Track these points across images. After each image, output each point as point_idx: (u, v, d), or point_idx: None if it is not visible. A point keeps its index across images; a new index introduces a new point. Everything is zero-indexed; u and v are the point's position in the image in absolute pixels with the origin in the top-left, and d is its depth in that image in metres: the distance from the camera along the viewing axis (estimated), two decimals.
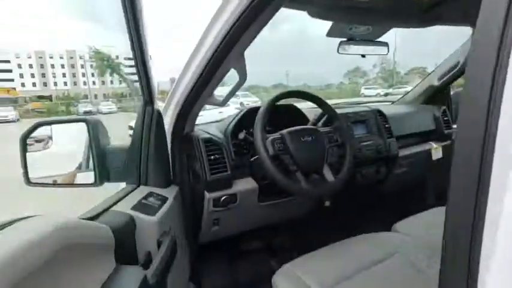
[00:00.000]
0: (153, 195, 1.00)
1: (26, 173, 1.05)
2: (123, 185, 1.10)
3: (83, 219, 0.71)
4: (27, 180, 1.05)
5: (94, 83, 62.40)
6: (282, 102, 1.33)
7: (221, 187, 1.24)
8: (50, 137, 1.16)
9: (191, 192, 1.31)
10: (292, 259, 1.85)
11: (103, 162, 1.07)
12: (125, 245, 0.76)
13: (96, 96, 57.12)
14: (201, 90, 1.10)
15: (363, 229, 1.41)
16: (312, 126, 1.32)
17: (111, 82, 61.73)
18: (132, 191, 1.02)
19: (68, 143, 1.18)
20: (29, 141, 1.10)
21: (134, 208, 0.86)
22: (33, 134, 1.11)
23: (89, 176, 1.07)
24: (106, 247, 0.66)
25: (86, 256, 0.58)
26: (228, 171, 1.24)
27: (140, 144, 1.06)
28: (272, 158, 1.13)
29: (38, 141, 1.17)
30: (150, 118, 1.05)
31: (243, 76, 1.05)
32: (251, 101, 15.13)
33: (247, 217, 1.43)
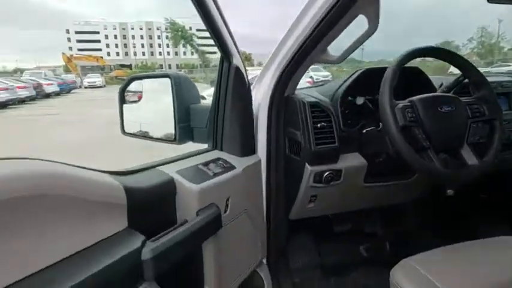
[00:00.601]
0: (218, 162, 0.90)
1: (122, 123, 1.09)
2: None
3: (111, 172, 0.68)
4: (123, 130, 1.09)
5: (169, 53, 66.57)
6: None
7: (326, 160, 1.08)
8: (141, 91, 1.17)
9: (286, 164, 1.17)
10: (383, 249, 1.73)
11: (185, 120, 1.02)
12: (159, 209, 0.73)
13: (170, 66, 61.04)
14: (313, 45, 0.95)
15: (486, 231, 1.14)
16: (451, 94, 1.05)
17: (184, 53, 65.05)
18: (202, 153, 0.96)
19: (157, 98, 1.17)
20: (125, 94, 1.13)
21: (180, 172, 0.79)
22: (128, 88, 1.14)
23: (171, 133, 1.05)
24: (110, 205, 0.60)
25: (79, 209, 0.55)
26: (335, 142, 1.07)
27: (216, 105, 0.97)
28: (401, 129, 0.91)
29: (132, 93, 1.18)
30: (226, 76, 0.94)
31: (374, 24, 0.84)
32: (321, 75, 14.42)
33: (348, 198, 1.25)
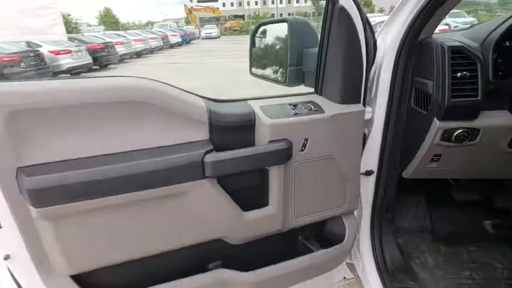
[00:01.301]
0: (308, 104, 0.95)
1: (250, 64, 1.26)
2: None
3: (203, 97, 0.87)
4: (250, 71, 1.26)
5: (281, 1, 65.24)
6: None
7: (461, 116, 0.96)
8: (265, 36, 1.27)
9: (408, 117, 1.09)
10: None
11: (298, 63, 1.07)
12: (238, 134, 0.88)
13: (281, 15, 60.13)
14: None
15: None
16: None
17: (297, 1, 62.69)
18: (299, 95, 1.02)
19: (276, 43, 1.22)
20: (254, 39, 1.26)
21: (263, 107, 0.91)
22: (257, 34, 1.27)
23: (283, 75, 1.12)
24: (194, 121, 0.82)
25: (166, 118, 0.79)
26: (478, 96, 0.93)
27: (320, 48, 0.97)
28: None
29: (259, 38, 1.28)
30: (330, 17, 0.92)
31: None
32: (462, 21, 11.85)
33: (483, 163, 1.11)
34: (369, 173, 1.21)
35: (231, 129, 0.87)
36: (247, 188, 0.95)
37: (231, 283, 0.97)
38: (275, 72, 1.19)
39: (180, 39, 22.80)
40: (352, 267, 1.43)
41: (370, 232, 1.29)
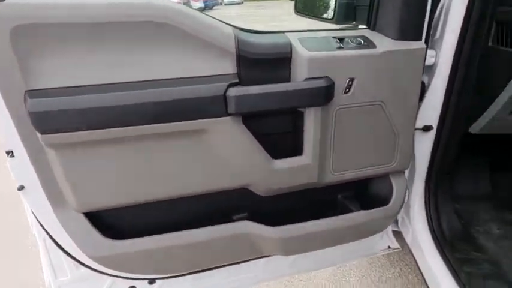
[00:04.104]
0: (357, 39, 0.82)
1: (295, 2, 1.17)
2: None
3: (236, 27, 0.77)
4: (295, 9, 1.17)
5: None
6: None
7: None
8: None
9: (485, 58, 0.92)
10: None
11: None
12: (272, 67, 0.77)
13: None
14: None
15: None
16: None
17: None
18: (350, 29, 0.92)
19: None
20: None
21: (302, 39, 0.80)
22: None
23: (331, 10, 1.00)
24: (220, 50, 0.72)
25: (189, 43, 0.69)
26: None
27: None
28: None
29: None
30: None
31: None
32: None
33: None
34: (427, 128, 1.07)
35: (263, 62, 0.76)
36: (278, 133, 0.86)
37: (256, 237, 0.90)
38: (322, 7, 1.04)
39: (202, 5, 22.37)
40: (399, 235, 1.32)
41: (424, 196, 1.16)
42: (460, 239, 1.11)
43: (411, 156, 1.00)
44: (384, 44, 0.83)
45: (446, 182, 1.19)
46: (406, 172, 1.23)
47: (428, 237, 1.12)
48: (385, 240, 1.33)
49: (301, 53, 0.76)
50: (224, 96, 0.72)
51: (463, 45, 0.92)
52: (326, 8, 1.03)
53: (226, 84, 0.72)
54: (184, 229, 0.86)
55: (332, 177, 0.91)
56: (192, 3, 20.55)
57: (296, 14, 1.16)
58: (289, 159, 0.86)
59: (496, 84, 0.92)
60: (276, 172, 0.85)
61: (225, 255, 0.94)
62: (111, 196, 0.77)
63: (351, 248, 1.15)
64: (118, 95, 0.66)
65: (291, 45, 0.77)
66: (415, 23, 0.85)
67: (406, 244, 1.27)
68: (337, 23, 0.99)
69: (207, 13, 0.77)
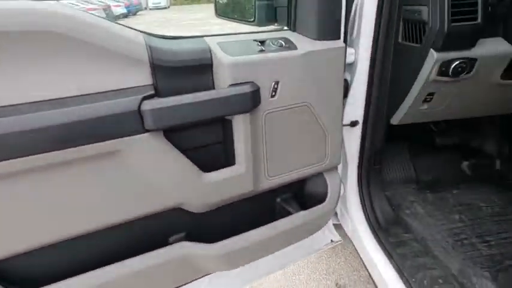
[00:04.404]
0: (278, 41, 0.82)
1: (215, 5, 1.12)
2: None
3: (146, 33, 0.71)
4: (216, 11, 1.12)
5: None
6: None
7: (460, 45, 0.88)
8: None
9: (397, 54, 0.99)
10: (491, 167, 1.55)
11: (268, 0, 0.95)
12: (192, 76, 0.72)
13: None
14: None
15: None
16: None
17: None
18: (269, 32, 0.89)
19: None
20: None
21: (221, 44, 0.76)
22: None
23: (250, 12, 0.99)
24: (130, 60, 0.64)
25: (91, 54, 0.60)
26: (478, 19, 0.84)
27: None
28: None
29: None
30: None
31: None
32: None
33: (475, 98, 1.06)
34: (353, 123, 1.12)
35: (182, 70, 0.71)
36: (207, 144, 0.81)
37: (197, 256, 0.85)
38: (242, 9, 1.02)
39: (125, 10, 21.09)
40: (339, 228, 1.37)
41: (357, 188, 1.22)
42: (392, 223, 1.19)
43: (341, 152, 1.04)
44: (304, 44, 0.84)
45: (376, 172, 1.26)
46: (340, 167, 1.28)
47: (364, 226, 1.18)
48: (327, 234, 1.37)
49: (222, 58, 0.73)
50: (139, 111, 0.64)
51: (377, 42, 0.98)
52: (246, 10, 1.01)
53: (141, 97, 0.65)
54: (116, 262, 0.77)
55: (268, 182, 0.90)
56: (113, 9, 19.27)
57: (217, 17, 1.12)
58: (222, 171, 0.82)
59: (408, 77, 0.99)
60: (208, 186, 0.80)
61: (166, 281, 0.87)
62: (15, 241, 0.65)
63: (296, 248, 1.15)
64: (10, 120, 0.55)
65: (210, 50, 0.74)
66: (333, 22, 0.87)
67: (347, 235, 1.33)
68: (258, 25, 0.98)
69: (131, 19, 0.68)
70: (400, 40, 0.98)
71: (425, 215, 1.24)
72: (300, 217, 0.97)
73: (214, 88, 0.76)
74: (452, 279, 0.96)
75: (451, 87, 0.97)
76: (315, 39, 0.85)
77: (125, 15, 21.00)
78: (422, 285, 0.94)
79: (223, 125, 0.80)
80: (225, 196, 0.84)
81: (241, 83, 0.75)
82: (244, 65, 0.75)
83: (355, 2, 0.97)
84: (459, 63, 0.89)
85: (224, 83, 0.74)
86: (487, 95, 1.04)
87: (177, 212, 0.82)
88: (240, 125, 0.78)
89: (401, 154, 1.44)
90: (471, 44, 0.88)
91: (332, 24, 0.86)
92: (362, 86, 1.06)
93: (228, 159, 0.84)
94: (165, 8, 28.73)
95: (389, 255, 1.05)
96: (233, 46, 0.77)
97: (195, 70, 0.73)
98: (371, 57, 1.01)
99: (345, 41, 0.93)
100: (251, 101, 0.76)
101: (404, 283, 0.96)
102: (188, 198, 0.79)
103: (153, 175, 0.72)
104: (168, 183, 0.75)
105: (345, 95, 1.10)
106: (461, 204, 1.29)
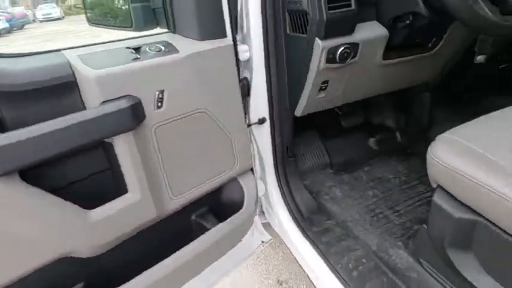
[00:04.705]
0: (157, 45, 0.75)
1: (86, 14, 0.99)
2: None
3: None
4: (87, 19, 0.99)
5: None
6: None
7: (341, 31, 0.90)
8: None
9: (289, 47, 0.99)
10: (394, 139, 1.69)
11: (144, 1, 0.84)
12: (51, 97, 0.61)
13: None
14: None
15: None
16: None
17: None
18: (153, 35, 0.83)
19: None
20: None
21: (83, 56, 0.66)
22: None
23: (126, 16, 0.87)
24: None
25: None
26: (352, 5, 0.87)
27: None
28: None
29: None
30: None
31: None
32: None
33: (364, 80, 1.12)
34: (261, 121, 1.10)
35: (36, 93, 0.59)
36: (87, 176, 0.70)
37: None
38: (116, 14, 0.90)
39: (7, 25, 18.42)
40: (268, 226, 1.35)
41: (277, 183, 1.21)
42: (315, 212, 1.20)
43: (251, 153, 1.00)
44: (187, 47, 0.77)
45: (292, 164, 1.27)
46: (258, 166, 1.25)
47: (288, 219, 1.18)
48: (257, 236, 1.34)
49: (87, 73, 0.62)
50: None
51: (267, 36, 0.97)
52: (121, 15, 0.90)
53: None
54: None
55: (174, 203, 0.82)
56: None
57: (91, 25, 0.99)
58: (112, 203, 0.71)
59: (302, 68, 0.99)
60: (99, 224, 0.69)
61: None
62: None
63: (226, 259, 1.09)
64: None
65: (70, 65, 0.62)
66: (216, 20, 0.81)
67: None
68: (137, 30, 0.88)
69: (17, 34, 0.51)
70: (288, 32, 0.98)
71: (343, 197, 1.29)
72: (218, 230, 0.91)
73: (85, 108, 0.64)
74: (373, 255, 1.01)
75: (341, 73, 1.01)
76: (199, 40, 0.79)
77: (8, 31, 18.37)
78: (348, 269, 0.97)
79: (105, 150, 0.69)
80: (122, 231, 0.73)
81: (116, 99, 0.65)
82: (116, 77, 0.65)
83: None
84: (344, 49, 0.92)
85: (95, 101, 0.64)
86: (374, 76, 1.11)
87: (68, 261, 0.68)
88: (123, 147, 0.68)
89: (313, 142, 1.48)
90: (350, 30, 0.91)
91: (215, 22, 0.81)
92: (262, 81, 1.04)
93: (119, 188, 0.73)
94: (59, 19, 25.92)
95: (315, 245, 1.06)
96: (100, 57, 0.67)
97: (55, 90, 0.61)
98: (264, 52, 0.99)
99: (234, 38, 0.89)
100: (132, 117, 0.66)
101: (332, 271, 0.97)
102: (75, 244, 0.67)
103: (20, 227, 0.59)
104: (42, 233, 0.62)
105: (248, 93, 1.07)
106: (373, 179, 1.37)
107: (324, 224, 1.14)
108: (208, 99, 0.81)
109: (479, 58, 1.05)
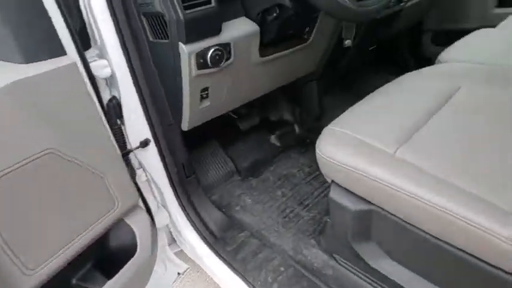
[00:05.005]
0: None
1: None
2: None
3: None
4: None
5: None
6: None
7: (205, 32, 0.82)
8: None
9: (155, 56, 0.88)
10: (293, 131, 1.72)
11: None
12: None
13: None
14: None
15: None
16: None
17: None
18: None
19: None
20: None
21: None
22: None
23: None
24: None
25: None
26: (211, 2, 0.79)
27: None
28: None
29: None
30: None
31: None
32: None
33: (248, 81, 1.07)
34: (144, 143, 0.96)
35: None
36: None
37: None
38: None
39: None
40: (183, 255, 1.22)
41: (180, 207, 1.09)
42: (226, 228, 1.11)
43: (132, 186, 0.84)
44: (8, 73, 0.58)
45: (193, 182, 1.16)
46: (156, 194, 1.11)
47: (200, 244, 1.07)
48: (171, 270, 1.20)
49: None
50: None
51: (126, 46, 0.83)
52: None
53: None
54: None
55: (34, 277, 0.62)
56: None
57: None
58: None
59: (174, 78, 0.89)
60: None
61: None
62: None
63: None
64: None
65: None
66: (44, 35, 0.63)
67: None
68: None
69: None
70: (151, 39, 0.86)
71: (254, 203, 1.23)
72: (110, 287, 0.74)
73: None
74: (290, 260, 0.97)
75: (220, 78, 0.94)
76: (24, 63, 0.61)
77: None
78: (267, 283, 0.90)
79: None
80: None
81: None
82: None
83: (81, 3, 0.78)
84: (214, 51, 0.84)
85: None
86: (257, 75, 1.07)
87: None
88: None
89: (214, 152, 1.39)
90: (217, 29, 0.84)
91: (44, 38, 0.64)
92: (134, 99, 0.90)
93: None
94: None
95: (231, 265, 0.98)
96: None
97: None
98: (128, 65, 0.85)
99: (81, 53, 0.73)
100: None
101: None
102: None
103: None
104: None
105: (120, 115, 0.92)
106: (279, 178, 1.35)
107: (237, 239, 1.06)
108: (55, 135, 0.63)
109: (348, 42, 1.11)
